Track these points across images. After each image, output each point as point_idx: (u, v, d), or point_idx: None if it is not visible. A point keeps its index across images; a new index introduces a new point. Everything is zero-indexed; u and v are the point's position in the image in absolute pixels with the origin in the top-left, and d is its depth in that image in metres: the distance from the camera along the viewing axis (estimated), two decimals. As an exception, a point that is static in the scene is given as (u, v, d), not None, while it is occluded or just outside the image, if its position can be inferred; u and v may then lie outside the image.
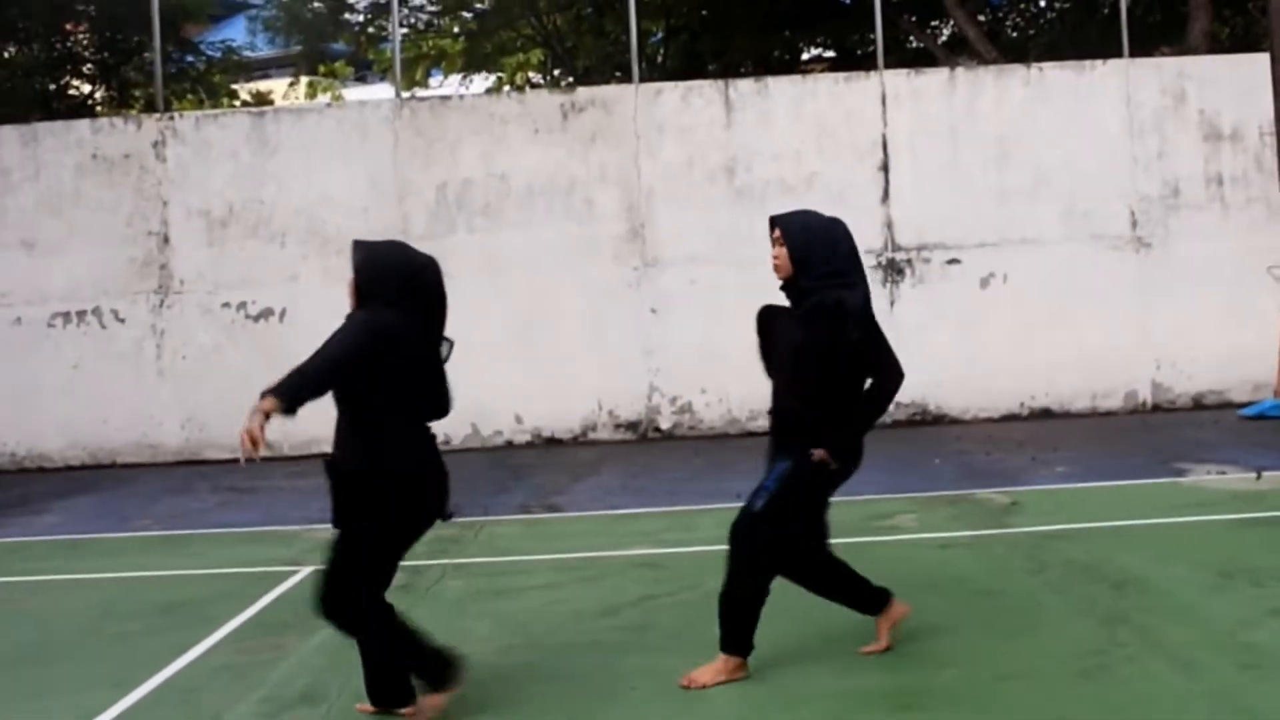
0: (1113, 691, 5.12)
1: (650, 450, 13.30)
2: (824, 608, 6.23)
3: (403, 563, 8.21)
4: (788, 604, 6.65)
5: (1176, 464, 10.57)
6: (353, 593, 5.03)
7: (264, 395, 4.59)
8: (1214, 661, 5.37)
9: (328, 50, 24.55)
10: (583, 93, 14.31)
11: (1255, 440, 11.63)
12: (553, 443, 13.97)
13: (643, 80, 14.47)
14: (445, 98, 14.98)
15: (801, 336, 5.29)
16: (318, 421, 5.26)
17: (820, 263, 5.29)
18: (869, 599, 5.76)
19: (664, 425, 13.96)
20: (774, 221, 5.43)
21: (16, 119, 15.18)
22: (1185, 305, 13.73)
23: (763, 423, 13.92)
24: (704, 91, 14.05)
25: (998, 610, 6.40)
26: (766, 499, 5.34)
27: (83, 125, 14.46)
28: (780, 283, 5.42)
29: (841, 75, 14.32)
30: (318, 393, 4.81)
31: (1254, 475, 9.74)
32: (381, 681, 5.16)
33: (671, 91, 14.17)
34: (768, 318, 5.56)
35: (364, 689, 5.21)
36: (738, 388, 13.88)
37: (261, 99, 23.44)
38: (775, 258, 5.38)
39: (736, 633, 5.44)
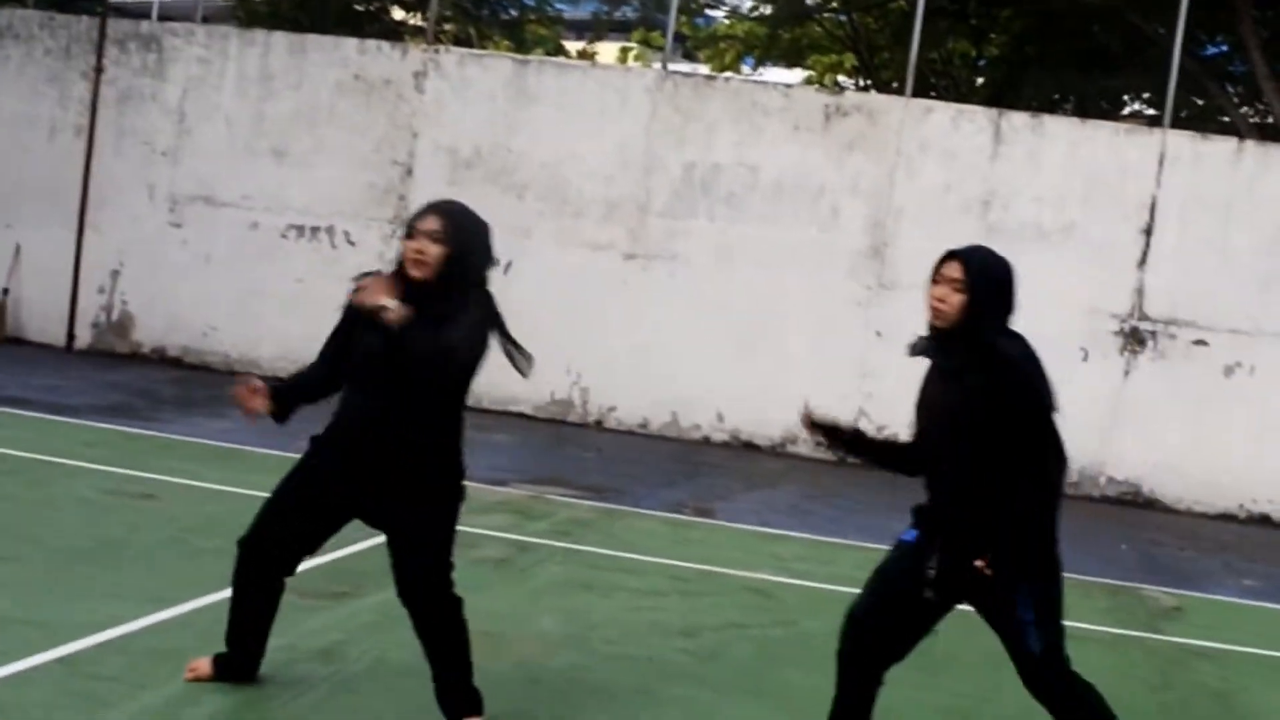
0: None
1: (841, 475, 13.36)
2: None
3: (514, 537, 8.45)
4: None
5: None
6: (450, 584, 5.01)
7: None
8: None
9: (654, 20, 25.13)
10: (850, 97, 14.62)
11: None
12: (750, 447, 14.30)
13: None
14: (710, 78, 15.39)
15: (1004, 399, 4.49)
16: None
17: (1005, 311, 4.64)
18: None
19: (866, 452, 14.16)
20: (954, 255, 4.62)
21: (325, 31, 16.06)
22: None
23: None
24: (975, 117, 14.17)
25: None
26: (1038, 635, 4.55)
27: (349, 44, 15.21)
28: (932, 333, 4.63)
29: (1123, 126, 14.31)
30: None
31: None
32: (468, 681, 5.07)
33: (942, 111, 14.33)
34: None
35: (440, 698, 4.98)
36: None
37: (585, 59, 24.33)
38: (943, 301, 4.56)
39: None
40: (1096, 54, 19.74)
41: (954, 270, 4.55)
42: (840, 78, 18.27)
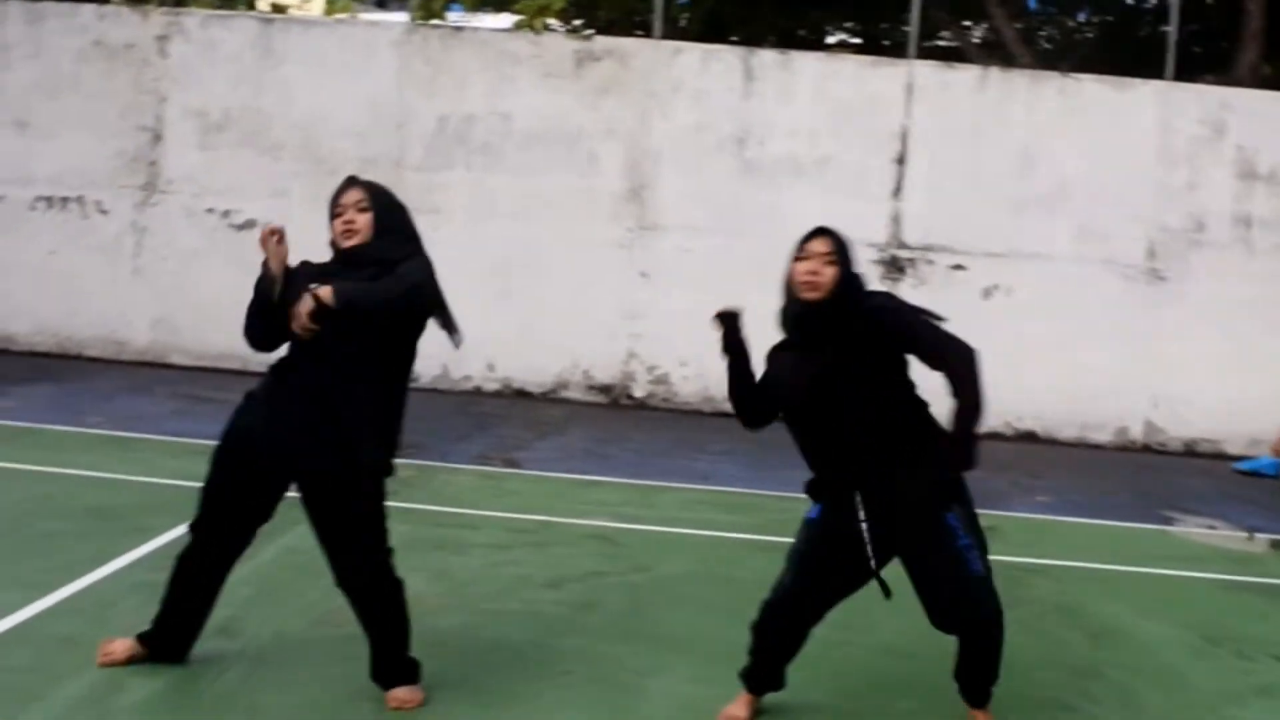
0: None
1: (620, 417, 13.79)
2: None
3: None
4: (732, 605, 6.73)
5: (1165, 511, 10.70)
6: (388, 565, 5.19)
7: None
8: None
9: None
10: (600, 42, 14.73)
11: (1247, 497, 11.75)
12: (522, 395, 14.51)
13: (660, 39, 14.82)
14: (458, 28, 15.37)
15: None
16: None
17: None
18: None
19: (637, 393, 14.45)
20: (822, 231, 4.98)
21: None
22: (1192, 346, 13.93)
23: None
24: (725, 57, 14.45)
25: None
26: (979, 557, 5.09)
27: (88, 10, 14.94)
28: (805, 307, 4.94)
29: (869, 59, 14.66)
30: (376, 310, 4.99)
31: (1245, 535, 9.93)
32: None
33: (691, 52, 14.57)
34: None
35: (375, 671, 5.21)
36: (719, 365, 14.31)
37: (279, 10, 23.87)
38: (816, 274, 4.88)
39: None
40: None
41: (822, 245, 4.88)
42: (550, 21, 18.11)
